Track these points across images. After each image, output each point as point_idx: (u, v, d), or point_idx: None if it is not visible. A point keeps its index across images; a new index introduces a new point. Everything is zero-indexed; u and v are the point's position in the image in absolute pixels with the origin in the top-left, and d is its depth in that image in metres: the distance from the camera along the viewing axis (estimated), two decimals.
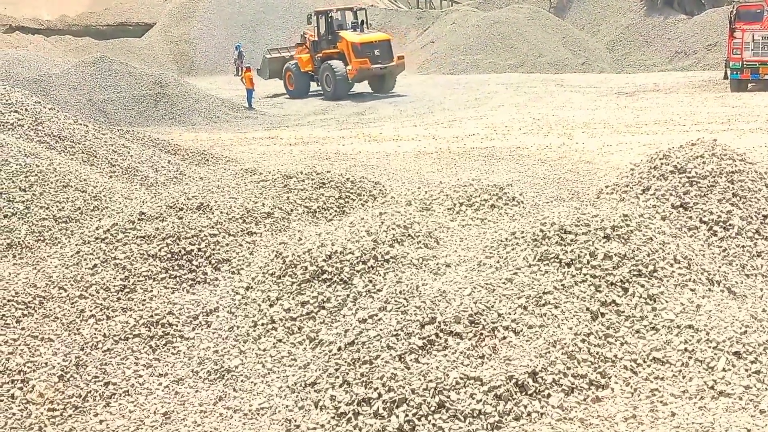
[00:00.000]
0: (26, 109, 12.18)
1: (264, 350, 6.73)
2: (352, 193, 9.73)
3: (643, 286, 6.52)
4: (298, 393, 6.05)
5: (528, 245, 7.09)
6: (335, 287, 7.07)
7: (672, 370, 5.91)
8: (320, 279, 7.17)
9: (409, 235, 7.70)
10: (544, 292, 6.49)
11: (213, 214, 8.54)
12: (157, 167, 12.61)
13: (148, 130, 19.71)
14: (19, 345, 6.78)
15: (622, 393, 5.77)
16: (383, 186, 10.44)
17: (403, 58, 32.02)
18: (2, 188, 9.51)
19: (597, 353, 6.01)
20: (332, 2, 48.11)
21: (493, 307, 6.32)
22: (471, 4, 50.61)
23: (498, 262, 7.06)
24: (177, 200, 8.70)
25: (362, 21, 32.53)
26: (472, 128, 20.95)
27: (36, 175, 9.92)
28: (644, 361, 6.01)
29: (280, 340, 6.82)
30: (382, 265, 7.21)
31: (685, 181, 8.00)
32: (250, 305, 7.25)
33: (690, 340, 6.04)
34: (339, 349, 6.21)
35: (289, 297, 7.13)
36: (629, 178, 8.49)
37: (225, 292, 7.56)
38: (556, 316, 6.29)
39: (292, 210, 9.10)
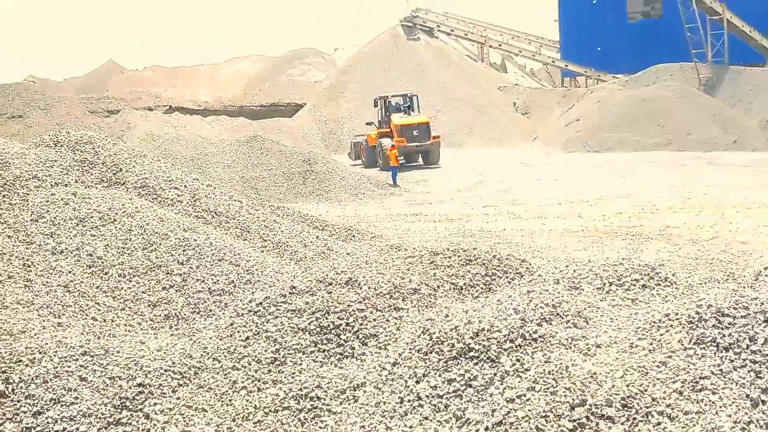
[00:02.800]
0: (185, 186, 12.75)
1: (410, 427, 6.70)
2: (498, 271, 9.69)
3: None
4: None
5: (683, 327, 6.86)
6: (482, 365, 7.01)
7: None
8: (467, 356, 7.12)
9: (557, 314, 7.59)
10: (700, 377, 6.25)
11: (361, 289, 8.66)
12: (306, 242, 12.91)
13: (297, 206, 20.26)
14: (174, 414, 7.00)
15: None
16: (530, 263, 10.36)
17: (439, 137, 38.17)
18: (162, 261, 9.95)
19: None
20: (487, 91, 48.74)
21: (646, 390, 6.12)
22: (617, 82, 50.18)
23: (651, 344, 6.86)
24: (326, 275, 8.88)
25: (409, 105, 39.42)
26: (619, 207, 20.59)
27: (193, 249, 10.34)
28: None
29: (426, 418, 6.78)
30: (530, 344, 7.11)
31: None
32: (397, 381, 7.25)
33: None
34: (486, 428, 6.13)
35: (435, 374, 7.10)
36: None
37: (372, 367, 7.60)
38: (713, 403, 6.04)
39: (438, 286, 9.13)
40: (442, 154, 38.70)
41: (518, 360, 6.93)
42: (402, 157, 35.23)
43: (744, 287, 7.39)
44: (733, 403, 6.04)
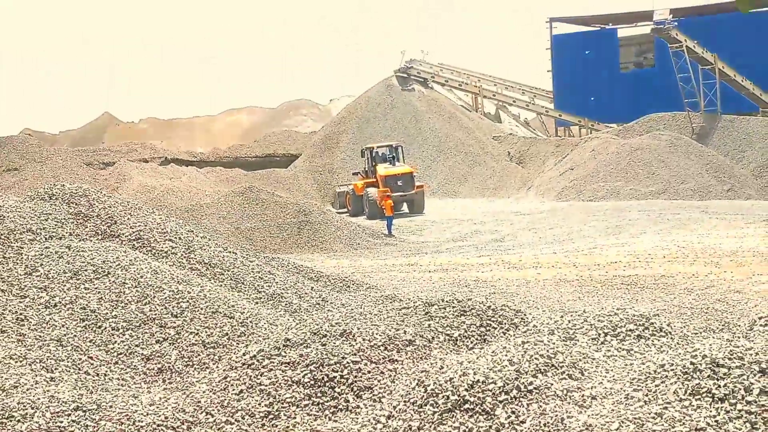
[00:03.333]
0: (179, 238, 12.76)
1: None
2: (493, 321, 9.67)
3: None
4: None
5: (678, 378, 6.84)
6: (477, 418, 6.96)
7: None
8: (462, 409, 7.08)
9: (552, 365, 7.56)
10: (696, 429, 6.22)
11: (355, 341, 8.63)
12: (301, 294, 12.89)
13: (291, 257, 20.25)
14: None
15: None
16: (524, 314, 10.34)
17: (422, 186, 40.03)
18: (156, 314, 9.92)
19: None
20: (481, 141, 49.02)
21: None
22: (611, 131, 50.53)
23: (647, 395, 6.83)
24: (321, 327, 8.85)
25: (393, 156, 40.82)
26: (614, 256, 20.60)
27: (187, 301, 10.32)
28: None
29: None
30: (526, 395, 7.08)
31: None
32: None
33: None
34: None
35: (430, 427, 7.05)
36: None
37: (366, 420, 7.54)
38: None
39: (433, 338, 9.10)
40: (438, 204, 39.17)
41: (513, 412, 6.89)
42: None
43: (739, 337, 7.38)
44: None
